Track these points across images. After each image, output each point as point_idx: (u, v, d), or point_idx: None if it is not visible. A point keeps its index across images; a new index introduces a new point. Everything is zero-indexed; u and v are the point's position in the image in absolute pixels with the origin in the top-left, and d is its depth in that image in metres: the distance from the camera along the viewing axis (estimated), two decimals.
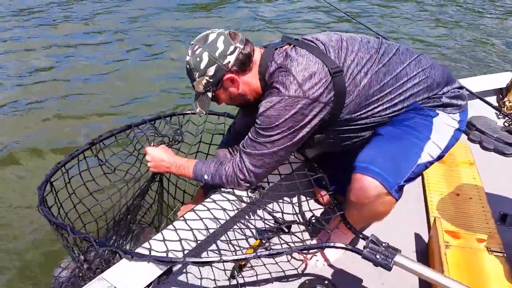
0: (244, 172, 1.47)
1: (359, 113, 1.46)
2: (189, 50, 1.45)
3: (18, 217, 2.46)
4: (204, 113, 1.51)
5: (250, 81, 1.47)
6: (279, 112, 1.36)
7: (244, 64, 1.43)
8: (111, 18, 5.51)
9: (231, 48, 1.41)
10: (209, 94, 1.47)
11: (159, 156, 1.61)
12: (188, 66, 1.45)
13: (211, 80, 1.43)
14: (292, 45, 1.45)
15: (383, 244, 1.30)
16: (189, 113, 1.94)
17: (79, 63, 4.39)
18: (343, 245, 1.33)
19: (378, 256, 1.28)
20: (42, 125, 3.36)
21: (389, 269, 1.27)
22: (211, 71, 1.41)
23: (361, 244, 1.44)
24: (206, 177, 1.52)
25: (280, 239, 1.63)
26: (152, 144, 1.68)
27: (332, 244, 1.34)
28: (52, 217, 1.41)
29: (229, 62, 1.41)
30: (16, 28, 5.15)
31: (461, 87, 1.58)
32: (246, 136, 1.46)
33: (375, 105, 1.45)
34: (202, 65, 1.41)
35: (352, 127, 1.50)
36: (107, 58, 4.50)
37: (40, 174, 1.65)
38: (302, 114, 1.37)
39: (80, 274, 1.47)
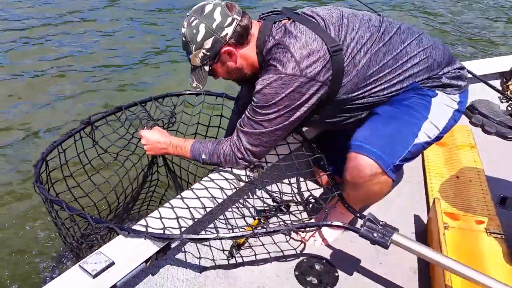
0: (241, 151, 1.46)
1: (356, 93, 1.44)
2: (185, 22, 1.41)
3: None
4: (201, 87, 1.47)
5: (248, 54, 1.44)
6: (276, 90, 1.34)
7: (241, 36, 1.40)
8: None
9: (229, 19, 1.37)
10: (206, 68, 1.44)
11: (154, 138, 1.59)
12: (184, 39, 1.41)
13: (208, 53, 1.40)
14: (291, 20, 1.41)
15: (381, 223, 1.30)
16: (184, 93, 1.92)
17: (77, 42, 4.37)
18: (340, 224, 1.33)
19: (375, 235, 1.28)
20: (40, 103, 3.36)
21: (386, 247, 1.27)
22: (208, 43, 1.38)
23: (359, 224, 1.44)
24: (203, 156, 1.51)
25: (279, 219, 1.63)
26: (145, 128, 1.66)
27: (329, 223, 1.34)
28: (47, 194, 1.41)
29: (227, 34, 1.37)
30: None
31: (462, 68, 1.55)
32: (243, 115, 1.44)
33: (373, 85, 1.43)
34: (199, 38, 1.37)
35: (349, 106, 1.48)
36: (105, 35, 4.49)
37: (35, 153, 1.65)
38: (299, 93, 1.35)
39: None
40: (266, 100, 1.36)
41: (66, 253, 1.95)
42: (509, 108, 2.44)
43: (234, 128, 1.64)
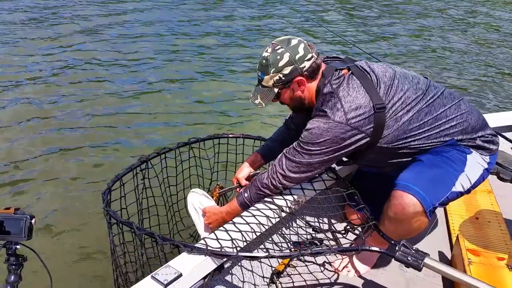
0: (280, 172, 1.65)
1: (395, 144, 1.63)
2: (269, 48, 1.63)
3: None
4: (263, 105, 1.68)
5: (312, 88, 1.66)
6: (322, 132, 1.55)
7: (314, 72, 1.63)
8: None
9: (309, 55, 1.61)
10: (275, 90, 1.65)
11: (213, 213, 1.82)
12: (264, 61, 1.62)
13: (283, 78, 1.62)
14: (350, 72, 1.62)
15: (414, 248, 1.46)
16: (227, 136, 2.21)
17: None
18: (377, 249, 1.49)
19: (409, 258, 1.42)
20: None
21: (419, 269, 1.41)
22: (287, 70, 1.60)
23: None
24: (246, 196, 1.72)
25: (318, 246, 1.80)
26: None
27: (367, 247, 1.49)
28: (117, 216, 1.60)
29: (305, 67, 1.60)
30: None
31: (494, 134, 1.75)
32: (290, 146, 1.65)
33: (412, 139, 1.63)
34: (281, 63, 1.59)
35: (388, 154, 1.68)
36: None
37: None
38: (341, 139, 1.56)
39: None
40: (312, 139, 1.57)
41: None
42: None
43: (278, 133, 1.95)
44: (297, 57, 1.60)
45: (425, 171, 1.59)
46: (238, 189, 1.95)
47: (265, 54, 1.64)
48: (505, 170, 2.51)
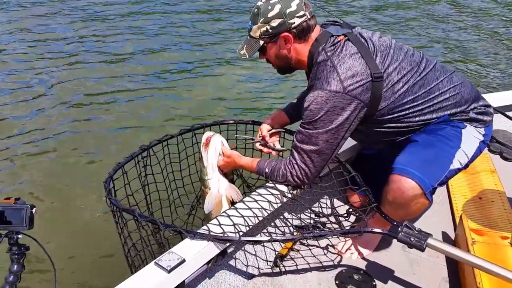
0: (296, 169, 1.62)
1: (389, 117, 1.61)
2: None
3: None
4: (247, 56, 1.64)
5: (300, 50, 1.61)
6: (321, 105, 1.50)
7: (303, 32, 1.57)
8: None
9: (301, 12, 1.55)
10: (261, 42, 1.61)
11: (234, 157, 1.83)
12: (256, 10, 1.58)
13: (270, 31, 1.57)
14: (346, 38, 1.56)
15: (416, 229, 1.46)
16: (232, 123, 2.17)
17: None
18: (380, 230, 1.49)
19: (412, 239, 1.43)
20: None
21: (422, 249, 1.41)
22: (275, 22, 1.55)
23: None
24: (266, 170, 1.69)
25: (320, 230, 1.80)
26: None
27: (370, 229, 1.50)
28: (119, 204, 1.60)
29: (294, 23, 1.55)
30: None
31: (488, 105, 1.73)
32: (296, 133, 1.63)
33: (406, 112, 1.61)
34: (270, 14, 1.54)
35: (383, 128, 1.66)
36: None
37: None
38: (341, 109, 1.50)
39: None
40: (313, 115, 1.52)
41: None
42: None
43: (292, 105, 1.96)
44: (288, 11, 1.54)
45: (421, 152, 1.58)
46: (258, 143, 1.95)
47: (259, 3, 1.60)
48: (509, 150, 2.49)
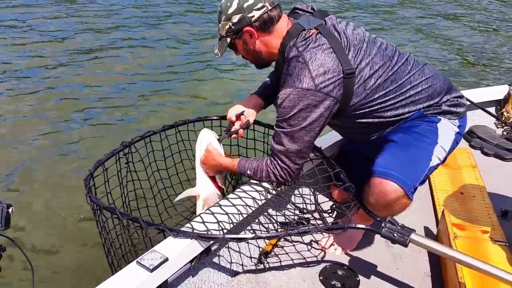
0: (278, 168, 1.60)
1: (360, 112, 1.60)
2: None
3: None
4: (219, 55, 1.63)
5: (268, 43, 1.59)
6: (294, 103, 1.48)
7: (265, 24, 1.55)
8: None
9: (259, 4, 1.53)
10: (228, 40, 1.61)
11: (211, 157, 1.77)
12: (219, 8, 1.59)
13: (233, 27, 1.56)
14: (318, 32, 1.53)
15: (399, 224, 1.46)
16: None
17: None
18: (363, 226, 1.49)
19: (395, 234, 1.43)
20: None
21: (405, 245, 1.42)
22: (235, 18, 1.54)
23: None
24: (248, 172, 1.67)
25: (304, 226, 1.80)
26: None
27: (353, 225, 1.50)
28: (99, 202, 1.57)
29: (253, 16, 1.53)
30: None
31: (461, 96, 1.72)
32: (273, 135, 1.61)
33: (377, 107, 1.60)
34: (230, 11, 1.54)
35: (355, 124, 1.66)
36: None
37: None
38: (314, 106, 1.49)
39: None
40: (286, 113, 1.51)
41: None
42: (505, 133, 2.66)
43: (264, 86, 1.89)
44: (245, 5, 1.53)
45: (400, 153, 1.57)
46: (234, 135, 1.85)
47: (221, 1, 1.59)
48: (489, 145, 2.53)
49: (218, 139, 1.84)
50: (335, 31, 1.56)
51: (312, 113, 1.51)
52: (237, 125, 1.84)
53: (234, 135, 1.84)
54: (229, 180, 2.03)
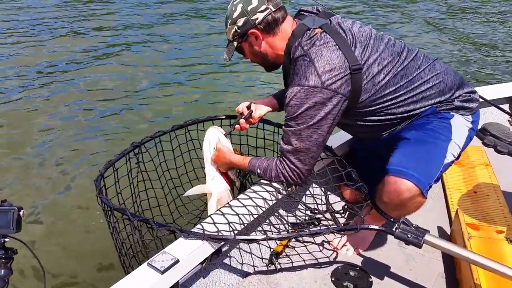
0: (287, 169, 1.60)
1: (371, 109, 1.59)
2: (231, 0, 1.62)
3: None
4: (228, 59, 1.66)
5: (274, 44, 1.60)
6: (301, 101, 1.48)
7: (269, 25, 1.56)
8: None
9: (263, 7, 1.54)
10: (235, 44, 1.63)
11: (223, 154, 1.78)
12: (226, 13, 1.61)
13: (238, 31, 1.59)
14: (322, 30, 1.53)
15: (413, 225, 1.44)
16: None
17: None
18: (376, 227, 1.47)
19: (409, 235, 1.40)
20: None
21: (419, 246, 1.39)
22: (240, 22, 1.57)
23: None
24: (259, 171, 1.67)
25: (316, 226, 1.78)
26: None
27: (366, 226, 1.47)
28: (110, 203, 1.56)
29: (257, 18, 1.55)
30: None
31: (473, 92, 1.70)
32: (282, 135, 1.60)
33: (388, 103, 1.58)
34: (235, 15, 1.57)
35: (366, 122, 1.64)
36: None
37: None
38: (322, 104, 1.48)
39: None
40: (293, 112, 1.50)
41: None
42: None
43: (283, 91, 1.80)
44: (249, 8, 1.55)
45: (415, 151, 1.55)
46: (237, 126, 1.84)
47: (228, 5, 1.61)
48: (503, 143, 2.48)
49: (225, 135, 1.85)
50: (340, 29, 1.55)
51: (320, 111, 1.49)
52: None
53: (236, 126, 1.84)
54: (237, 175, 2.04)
